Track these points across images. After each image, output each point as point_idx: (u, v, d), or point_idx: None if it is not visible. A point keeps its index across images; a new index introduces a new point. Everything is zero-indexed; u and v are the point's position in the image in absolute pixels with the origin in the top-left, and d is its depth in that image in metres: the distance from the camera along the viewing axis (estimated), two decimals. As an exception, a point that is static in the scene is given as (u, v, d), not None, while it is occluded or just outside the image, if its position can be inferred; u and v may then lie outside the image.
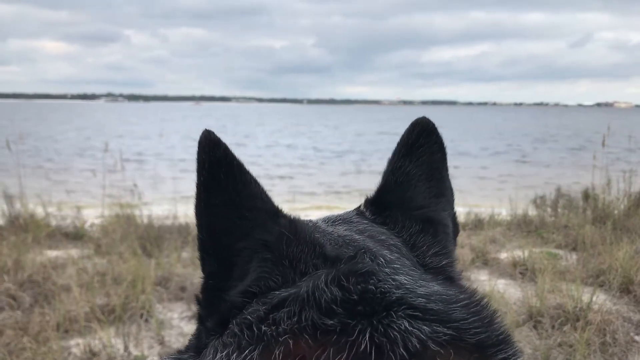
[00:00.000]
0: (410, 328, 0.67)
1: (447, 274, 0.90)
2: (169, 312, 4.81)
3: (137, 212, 7.33)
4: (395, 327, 0.66)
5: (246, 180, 0.80)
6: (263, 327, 0.69)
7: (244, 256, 0.80)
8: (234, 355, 0.68)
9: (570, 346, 4.01)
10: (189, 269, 5.63)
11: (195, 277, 5.38)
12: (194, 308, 3.97)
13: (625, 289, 5.17)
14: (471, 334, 0.70)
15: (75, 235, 7.00)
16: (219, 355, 0.70)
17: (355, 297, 0.70)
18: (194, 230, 6.96)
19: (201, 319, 0.83)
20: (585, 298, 4.65)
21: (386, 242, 0.89)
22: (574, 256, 6.33)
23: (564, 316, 4.45)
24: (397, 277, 0.75)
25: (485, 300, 0.79)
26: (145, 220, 7.13)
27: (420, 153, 1.00)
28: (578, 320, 4.36)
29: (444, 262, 0.92)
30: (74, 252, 6.30)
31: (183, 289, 5.12)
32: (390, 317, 0.68)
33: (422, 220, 0.97)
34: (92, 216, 8.23)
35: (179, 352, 0.81)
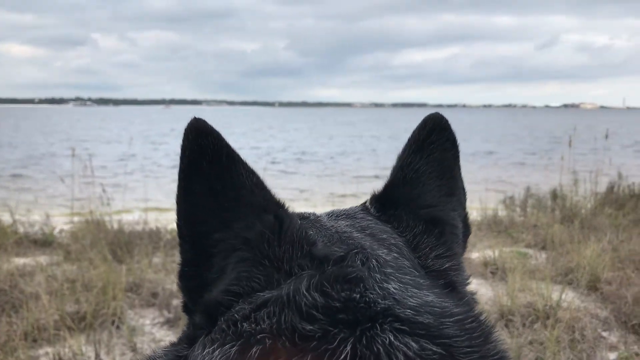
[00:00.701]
0: (396, 342, 0.64)
1: (449, 278, 0.85)
2: (140, 318, 4.75)
3: (107, 218, 7.23)
4: (379, 340, 0.64)
5: (236, 170, 0.79)
6: (245, 324, 0.68)
7: (221, 248, 0.80)
8: (217, 351, 0.67)
9: (541, 344, 4.07)
10: (160, 274, 5.57)
11: (167, 282, 5.32)
12: (166, 314, 3.93)
13: (593, 287, 5.27)
14: (462, 352, 0.66)
15: (44, 242, 6.87)
16: (206, 350, 0.69)
17: (338, 304, 0.67)
18: (165, 235, 6.92)
19: (187, 309, 0.84)
20: (555, 296, 4.73)
21: (386, 242, 0.85)
22: (543, 255, 6.43)
23: (535, 314, 4.52)
24: (386, 284, 0.71)
25: (483, 315, 0.75)
26: (116, 226, 7.04)
27: (431, 150, 0.96)
28: (548, 318, 4.43)
29: (446, 265, 0.87)
30: (43, 259, 6.18)
31: (155, 294, 5.07)
32: (374, 329, 0.65)
33: (428, 220, 0.92)
34: (61, 222, 8.10)
35: (172, 344, 0.81)
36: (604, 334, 4.43)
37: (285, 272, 0.75)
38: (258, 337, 0.66)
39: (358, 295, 0.68)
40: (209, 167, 0.79)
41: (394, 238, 0.86)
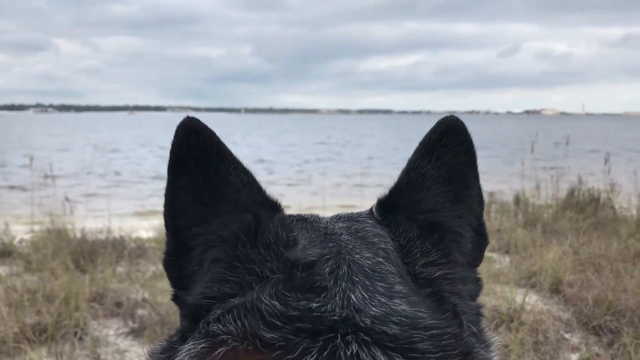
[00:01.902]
0: (362, 355, 0.63)
1: (437, 287, 0.80)
2: (104, 328, 4.66)
3: (69, 227, 7.08)
4: (342, 352, 0.63)
5: (223, 168, 0.81)
6: (215, 326, 0.70)
7: (199, 242, 0.82)
8: (191, 349, 0.70)
9: (506, 346, 4.13)
10: (124, 283, 5.48)
11: (131, 292, 5.24)
12: (131, 324, 3.86)
13: (555, 289, 5.38)
14: None
15: (3, 252, 6.68)
16: (183, 346, 0.73)
17: (296, 313, 0.68)
18: (129, 244, 6.81)
19: (175, 297, 0.88)
20: (519, 299, 4.81)
21: (375, 246, 0.82)
22: (507, 259, 6.54)
23: (499, 318, 4.58)
24: (349, 293, 0.70)
25: (465, 332, 0.72)
26: (78, 235, 6.89)
27: (441, 153, 0.91)
28: (512, 321, 4.50)
29: (437, 274, 0.82)
30: (2, 269, 6.01)
31: (119, 304, 4.98)
32: (336, 339, 0.64)
33: (425, 225, 0.88)
34: (22, 232, 7.89)
35: (170, 337, 0.84)
36: (566, 335, 4.52)
37: (257, 275, 0.75)
38: (224, 337, 0.68)
39: (316, 305, 0.68)
40: (195, 163, 0.81)
41: (385, 243, 0.84)
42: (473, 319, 0.84)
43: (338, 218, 0.94)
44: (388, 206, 0.93)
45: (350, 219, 0.92)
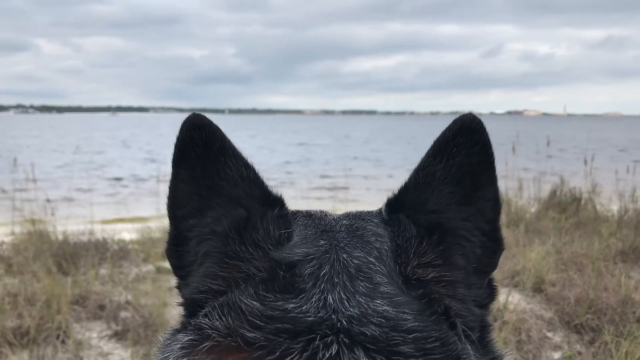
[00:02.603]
0: (344, 357, 0.63)
1: (429, 289, 0.78)
2: (87, 331, 4.62)
3: (50, 229, 7.00)
4: (321, 353, 0.63)
5: (224, 162, 0.83)
6: (204, 321, 0.72)
7: (194, 234, 0.85)
8: (181, 340, 0.72)
9: (489, 346, 4.15)
10: (107, 286, 5.43)
11: (114, 294, 5.20)
12: (114, 326, 3.82)
13: (538, 289, 5.43)
14: None
15: (-17, 255, 6.60)
16: (175, 336, 0.76)
17: (275, 313, 0.68)
18: (112, 246, 6.75)
19: (179, 286, 0.91)
20: (502, 299, 4.84)
21: (370, 245, 0.81)
22: (490, 259, 6.58)
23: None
24: (327, 294, 0.70)
25: (453, 337, 0.70)
26: (60, 237, 6.82)
27: (453, 153, 0.87)
28: (495, 320, 4.53)
29: (431, 275, 0.80)
30: (-18, 272, 5.93)
31: (102, 307, 4.93)
32: (315, 341, 0.65)
33: (426, 226, 0.86)
34: (2, 234, 7.79)
35: (175, 328, 0.85)
36: (549, 334, 4.56)
37: (244, 273, 0.76)
38: (209, 332, 0.69)
39: (292, 306, 0.69)
40: (196, 157, 0.83)
41: (382, 242, 0.82)
42: (474, 325, 0.82)
43: (345, 216, 0.93)
44: (395, 206, 0.91)
45: (356, 217, 0.91)
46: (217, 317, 0.71)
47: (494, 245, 0.93)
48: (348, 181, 14.53)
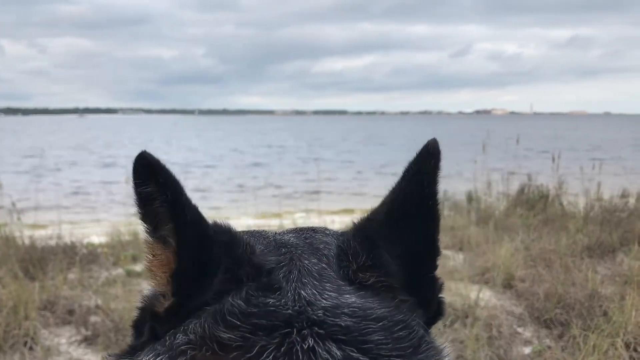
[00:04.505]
0: (318, 349, 0.65)
1: (374, 287, 0.79)
2: (56, 337, 4.54)
3: (17, 233, 6.86)
4: (298, 347, 0.65)
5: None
6: (179, 336, 0.70)
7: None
8: None
9: (461, 342, 4.21)
10: (76, 290, 5.34)
11: (84, 298, 5.11)
12: (84, 331, 3.75)
13: (508, 285, 5.51)
14: None
15: (-53, 261, 6.43)
16: (143, 357, 0.73)
17: (255, 310, 0.69)
18: (80, 250, 6.63)
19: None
20: (473, 295, 4.90)
21: (320, 252, 0.84)
22: (461, 256, 6.66)
23: (454, 314, 4.66)
24: (300, 290, 0.73)
25: (414, 321, 0.74)
26: (27, 242, 6.68)
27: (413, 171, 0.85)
28: (467, 317, 4.59)
29: (371, 280, 0.80)
30: (-55, 279, 5.78)
31: (71, 312, 4.85)
32: (292, 335, 0.66)
33: (359, 233, 0.86)
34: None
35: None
36: (519, 329, 4.63)
37: (237, 279, 0.75)
38: (182, 348, 0.68)
39: (272, 300, 0.71)
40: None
41: (330, 249, 0.85)
42: (405, 309, 0.82)
43: (291, 230, 0.96)
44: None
45: (302, 229, 0.95)
46: (194, 328, 0.70)
47: (429, 251, 0.90)
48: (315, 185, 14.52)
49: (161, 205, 0.72)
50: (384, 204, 0.87)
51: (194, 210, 0.75)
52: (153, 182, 0.71)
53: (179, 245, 0.74)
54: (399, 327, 0.71)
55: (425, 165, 0.84)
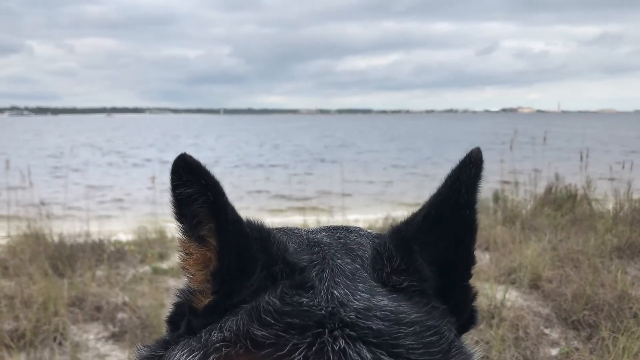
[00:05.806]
0: (349, 351, 0.65)
1: (408, 292, 0.79)
2: (84, 333, 4.61)
3: (47, 231, 6.98)
4: (330, 347, 0.65)
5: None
6: (214, 333, 0.72)
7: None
8: (183, 357, 0.72)
9: (487, 343, 4.17)
10: (104, 287, 5.42)
11: (111, 295, 5.18)
12: (111, 328, 3.81)
13: (535, 285, 5.44)
14: None
15: (-21, 258, 6.57)
16: (180, 352, 0.74)
17: (288, 308, 0.70)
18: (108, 247, 6.73)
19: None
20: (499, 296, 4.85)
21: (354, 252, 0.85)
22: (487, 256, 6.59)
23: (480, 314, 4.61)
24: (332, 290, 0.74)
25: (446, 326, 0.74)
26: (56, 239, 6.80)
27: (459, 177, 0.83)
28: (493, 317, 4.54)
29: (405, 284, 0.80)
30: (-22, 275, 5.91)
31: (99, 308, 4.92)
32: (324, 335, 0.67)
33: (397, 237, 0.85)
34: (-2, 237, 7.77)
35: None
36: (546, 330, 4.57)
37: (272, 275, 0.77)
38: (217, 345, 0.69)
39: (306, 300, 0.72)
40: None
41: (364, 251, 0.85)
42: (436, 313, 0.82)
43: (324, 228, 0.97)
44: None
45: (335, 228, 0.95)
46: (229, 326, 0.71)
47: (466, 260, 0.94)
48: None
49: (202, 206, 0.73)
50: (423, 208, 0.86)
51: (233, 210, 0.76)
52: (195, 183, 0.72)
53: (221, 245, 0.75)
54: (430, 332, 0.71)
55: (466, 173, 0.83)
